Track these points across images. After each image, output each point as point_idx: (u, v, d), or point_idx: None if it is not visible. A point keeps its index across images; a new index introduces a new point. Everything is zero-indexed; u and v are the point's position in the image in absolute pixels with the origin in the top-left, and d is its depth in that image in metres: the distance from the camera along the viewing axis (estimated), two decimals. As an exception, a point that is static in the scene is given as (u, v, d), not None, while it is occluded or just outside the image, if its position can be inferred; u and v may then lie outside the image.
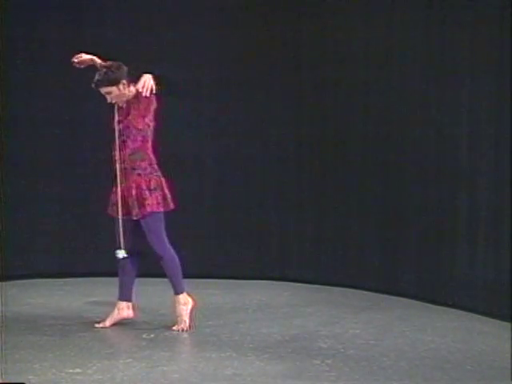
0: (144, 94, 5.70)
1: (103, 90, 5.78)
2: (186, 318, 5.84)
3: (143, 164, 5.84)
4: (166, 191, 5.90)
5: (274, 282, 7.51)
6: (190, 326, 5.84)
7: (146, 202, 5.79)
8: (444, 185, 6.60)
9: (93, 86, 5.78)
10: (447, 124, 6.58)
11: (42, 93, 7.50)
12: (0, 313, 6.02)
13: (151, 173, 5.85)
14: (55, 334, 5.73)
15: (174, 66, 7.54)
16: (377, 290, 7.05)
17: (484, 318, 6.19)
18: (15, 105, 7.28)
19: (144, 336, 5.71)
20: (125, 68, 5.79)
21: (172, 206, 5.91)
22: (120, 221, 5.84)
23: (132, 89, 5.79)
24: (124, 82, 5.76)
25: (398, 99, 6.93)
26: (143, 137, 5.82)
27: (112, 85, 5.73)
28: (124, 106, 5.82)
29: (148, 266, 6.09)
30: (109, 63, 5.81)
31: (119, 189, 5.85)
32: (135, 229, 5.86)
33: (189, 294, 5.91)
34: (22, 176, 7.50)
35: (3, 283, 7.15)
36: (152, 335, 5.74)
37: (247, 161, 7.67)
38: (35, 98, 7.49)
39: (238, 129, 7.67)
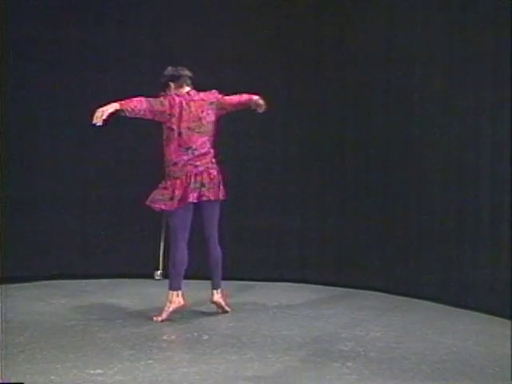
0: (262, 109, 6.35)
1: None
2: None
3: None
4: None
5: (295, 284, 7.51)
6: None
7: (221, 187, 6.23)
8: (466, 187, 6.57)
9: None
10: (470, 125, 6.55)
11: (42, 93, 7.51)
12: (0, 314, 6.07)
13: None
14: (77, 334, 5.75)
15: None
16: (398, 293, 7.02)
17: (506, 322, 6.14)
18: (15, 105, 7.29)
19: (165, 337, 5.72)
20: (168, 69, 6.26)
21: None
22: (162, 242, 5.97)
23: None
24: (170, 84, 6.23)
25: (420, 100, 6.91)
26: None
27: (164, 90, 6.25)
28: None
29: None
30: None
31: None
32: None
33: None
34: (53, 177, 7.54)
35: (26, 284, 7.24)
36: (173, 337, 5.76)
37: (267, 162, 7.67)
38: (35, 98, 7.50)
39: (259, 131, 7.66)
